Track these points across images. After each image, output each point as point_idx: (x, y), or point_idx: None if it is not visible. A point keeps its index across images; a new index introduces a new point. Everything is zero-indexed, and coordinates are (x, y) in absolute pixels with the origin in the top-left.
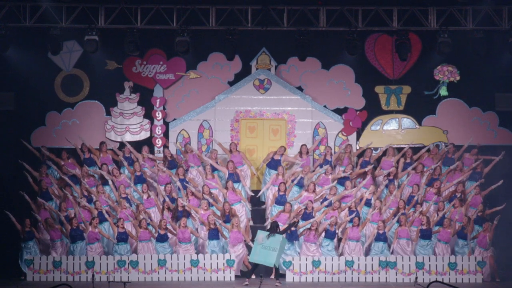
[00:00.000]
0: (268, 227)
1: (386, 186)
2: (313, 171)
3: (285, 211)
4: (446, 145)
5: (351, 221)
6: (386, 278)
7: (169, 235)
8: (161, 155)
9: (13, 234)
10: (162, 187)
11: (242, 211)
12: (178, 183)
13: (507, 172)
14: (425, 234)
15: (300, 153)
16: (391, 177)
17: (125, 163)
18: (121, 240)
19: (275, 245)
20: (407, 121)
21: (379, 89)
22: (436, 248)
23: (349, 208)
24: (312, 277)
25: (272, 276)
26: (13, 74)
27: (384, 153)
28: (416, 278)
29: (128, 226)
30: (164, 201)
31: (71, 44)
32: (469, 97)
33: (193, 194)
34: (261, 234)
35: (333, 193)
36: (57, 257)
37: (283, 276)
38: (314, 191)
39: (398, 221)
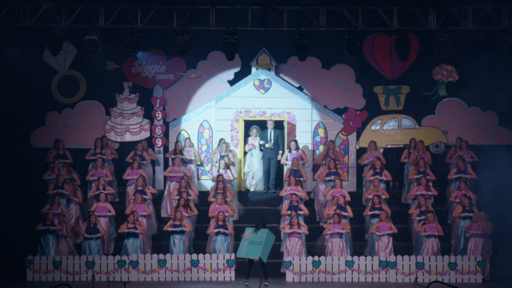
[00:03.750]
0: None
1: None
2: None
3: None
4: (447, 146)
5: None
6: (386, 278)
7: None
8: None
9: (13, 235)
10: (174, 183)
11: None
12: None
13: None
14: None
15: (290, 149)
16: (377, 170)
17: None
18: (131, 235)
19: (260, 239)
20: (407, 121)
21: (378, 89)
22: (426, 243)
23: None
24: (312, 277)
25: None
26: (12, 74)
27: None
28: (416, 278)
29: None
30: (179, 194)
31: (65, 46)
32: (469, 97)
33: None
34: (247, 230)
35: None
36: (57, 257)
37: (283, 275)
38: (296, 184)
39: (378, 216)
